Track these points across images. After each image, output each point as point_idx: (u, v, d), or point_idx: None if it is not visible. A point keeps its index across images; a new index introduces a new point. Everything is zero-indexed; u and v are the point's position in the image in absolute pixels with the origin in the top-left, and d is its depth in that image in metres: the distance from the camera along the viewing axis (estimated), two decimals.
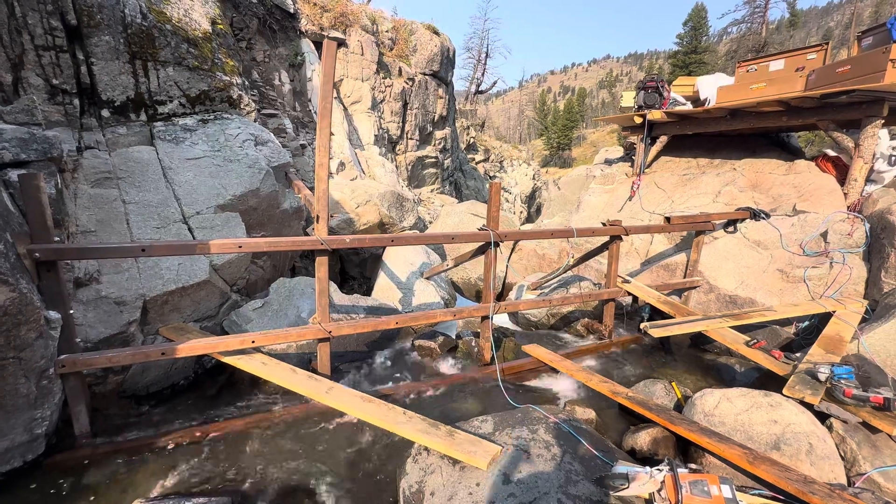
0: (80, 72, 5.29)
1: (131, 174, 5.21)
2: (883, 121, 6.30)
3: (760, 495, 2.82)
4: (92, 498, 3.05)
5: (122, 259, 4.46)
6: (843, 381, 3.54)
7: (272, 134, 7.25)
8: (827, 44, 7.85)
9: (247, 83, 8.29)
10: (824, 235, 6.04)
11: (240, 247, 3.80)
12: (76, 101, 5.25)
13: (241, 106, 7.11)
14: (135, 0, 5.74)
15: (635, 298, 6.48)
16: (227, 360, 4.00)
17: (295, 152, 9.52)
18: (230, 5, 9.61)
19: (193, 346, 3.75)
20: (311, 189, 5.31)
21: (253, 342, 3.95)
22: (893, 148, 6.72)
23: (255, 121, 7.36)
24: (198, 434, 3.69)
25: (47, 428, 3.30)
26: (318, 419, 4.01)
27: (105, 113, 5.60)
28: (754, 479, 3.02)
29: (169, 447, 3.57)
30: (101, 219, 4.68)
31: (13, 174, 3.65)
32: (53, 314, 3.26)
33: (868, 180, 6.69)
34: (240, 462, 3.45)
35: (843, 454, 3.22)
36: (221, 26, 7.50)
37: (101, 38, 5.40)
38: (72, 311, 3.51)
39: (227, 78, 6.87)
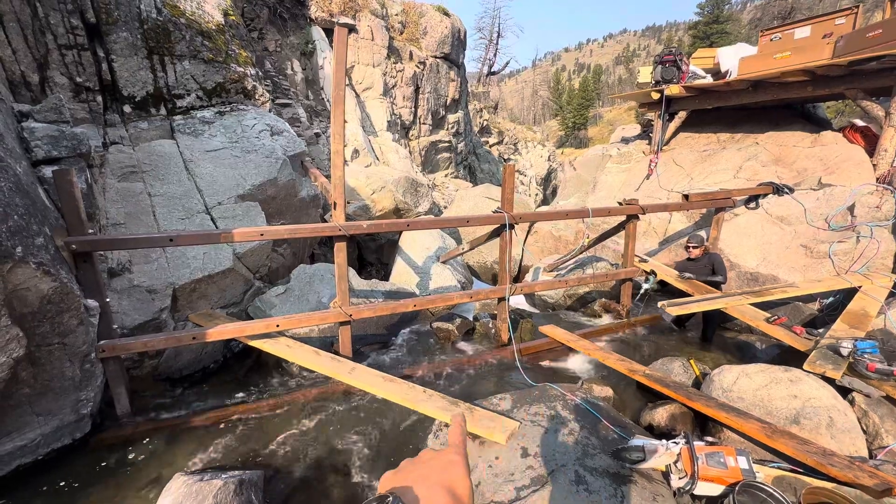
0: (101, 69, 5.45)
1: (155, 168, 5.38)
2: None
3: (779, 468, 2.85)
4: (136, 471, 3.27)
5: (152, 249, 4.65)
6: (866, 356, 3.50)
7: (287, 123, 7.34)
8: (857, 7, 7.47)
9: (260, 74, 8.37)
10: (851, 209, 5.86)
11: (262, 235, 3.92)
12: (99, 98, 5.42)
13: (256, 97, 7.20)
14: None
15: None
16: (254, 343, 4.17)
17: (309, 141, 9.62)
18: None
19: (222, 331, 3.92)
20: (327, 177, 5.41)
21: (278, 326, 4.11)
22: None
23: (269, 111, 7.45)
24: (230, 413, 3.88)
25: (92, 408, 3.52)
26: (342, 399, 4.17)
27: (127, 108, 5.76)
28: (773, 453, 3.05)
29: (203, 425, 3.77)
30: (130, 211, 4.87)
31: (47, 171, 3.83)
32: (92, 302, 3.45)
33: None
34: (270, 439, 3.63)
35: (864, 428, 3.21)
36: (233, 17, 7.56)
37: (119, 34, 5.52)
38: (108, 300, 3.71)
39: (241, 69, 6.95)
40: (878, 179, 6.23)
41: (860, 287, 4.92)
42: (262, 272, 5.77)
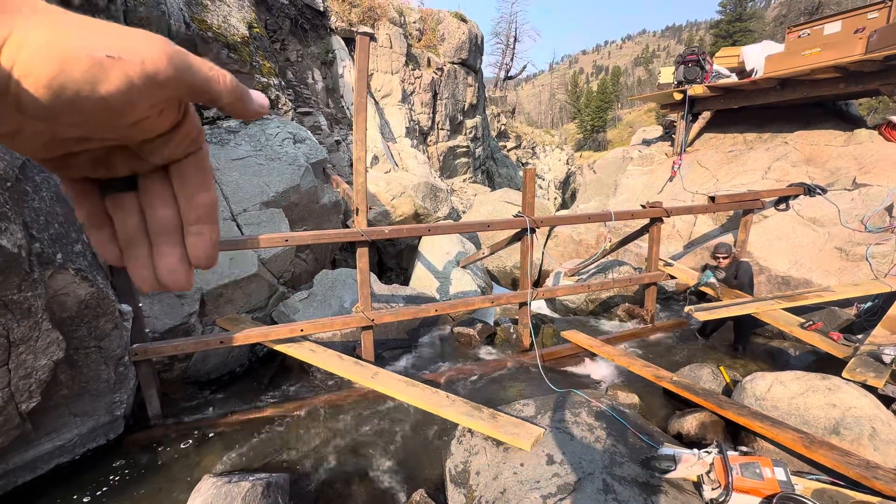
0: None
1: None
2: None
3: (819, 480, 2.73)
4: (166, 471, 3.36)
5: None
6: None
7: (308, 131, 7.49)
8: (891, 0, 7.19)
9: (282, 83, 8.58)
10: (889, 209, 5.62)
11: (286, 240, 4.00)
12: None
13: (279, 106, 7.38)
14: (179, 11, 6.06)
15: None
16: (278, 347, 4.24)
17: (330, 148, 9.78)
18: (263, 8, 9.91)
19: (248, 335, 4.00)
20: (349, 183, 5.48)
21: (301, 331, 4.17)
22: None
23: (292, 119, 7.62)
24: (256, 416, 3.95)
25: (125, 410, 3.64)
26: (365, 403, 4.19)
27: None
28: (811, 465, 2.92)
29: (230, 428, 3.85)
30: None
31: None
32: (126, 307, 3.57)
33: None
34: (295, 442, 3.68)
35: None
36: (257, 30, 7.78)
37: None
38: (140, 305, 3.83)
39: (265, 80, 7.14)
40: None
41: None
42: (285, 277, 5.87)
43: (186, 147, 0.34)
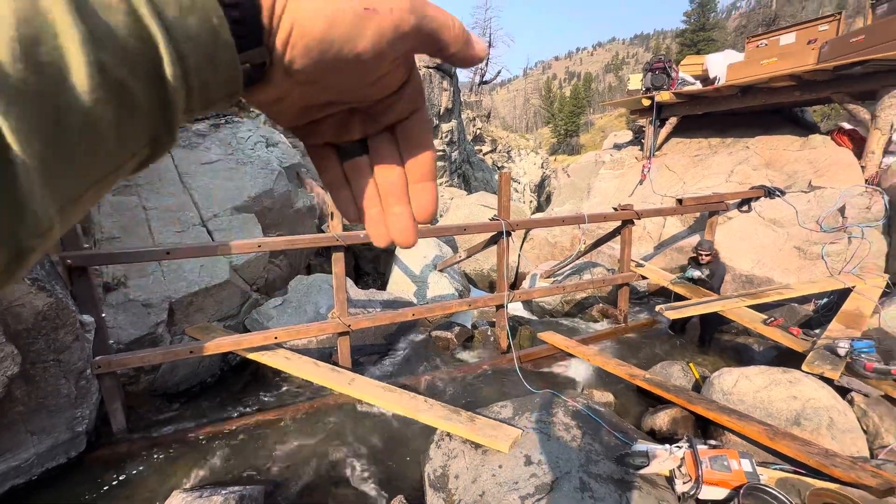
0: None
1: (150, 181, 5.36)
2: None
3: (782, 470, 2.85)
4: (133, 489, 3.21)
5: (148, 263, 4.61)
6: (863, 356, 3.53)
7: (282, 135, 7.36)
8: (840, 14, 7.66)
9: None
10: (842, 210, 5.95)
11: (259, 246, 3.91)
12: None
13: (250, 109, 7.22)
14: None
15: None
16: (251, 356, 4.13)
17: (304, 152, 9.64)
18: None
19: (219, 344, 3.88)
20: (323, 187, 5.41)
21: (276, 338, 4.08)
22: None
23: (264, 123, 7.48)
24: (228, 427, 3.84)
25: (87, 426, 3.47)
26: (342, 410, 4.13)
27: None
28: (775, 455, 3.05)
29: (201, 440, 3.72)
30: (124, 225, 4.84)
31: None
32: (87, 318, 3.41)
33: (886, 152, 6.55)
34: (269, 452, 3.59)
35: (865, 427, 3.23)
36: None
37: None
38: (104, 315, 3.67)
39: None
40: (866, 181, 6.34)
41: (854, 287, 4.97)
42: (259, 284, 5.73)
43: (413, 104, 0.35)
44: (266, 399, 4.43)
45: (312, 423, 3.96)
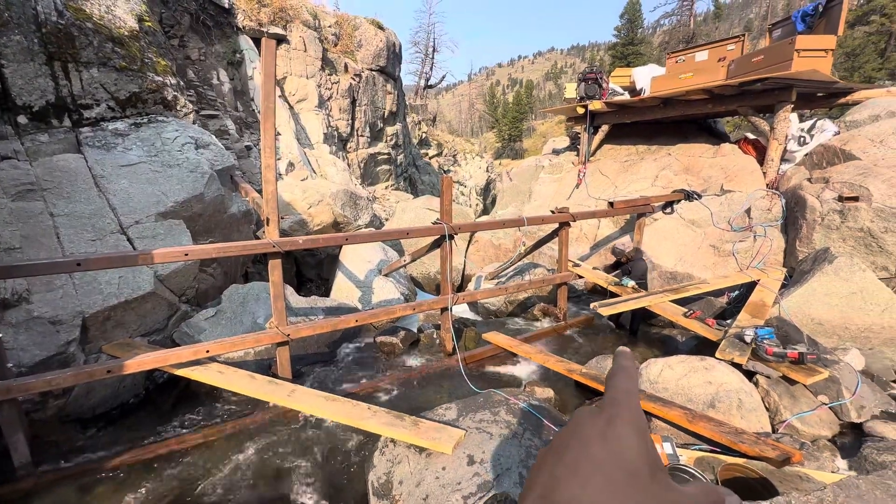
0: None
1: (58, 185, 4.85)
2: (792, 105, 6.98)
3: (699, 450, 3.12)
4: None
5: (55, 276, 4.16)
6: (765, 341, 3.95)
7: (214, 136, 6.95)
8: (744, 35, 8.54)
9: (182, 83, 7.88)
10: (748, 212, 6.63)
11: (186, 255, 3.67)
12: None
13: (178, 108, 6.76)
14: None
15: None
16: (180, 372, 3.86)
17: (240, 154, 9.16)
18: (158, 1, 9.05)
19: (142, 362, 3.58)
20: (260, 191, 5.18)
21: (207, 352, 3.83)
22: (801, 130, 7.45)
23: (193, 123, 7.02)
24: (154, 452, 3.54)
25: None
26: (282, 423, 3.96)
27: (22, 119, 5.16)
28: (694, 436, 3.33)
29: (122, 468, 3.41)
30: (27, 234, 4.34)
31: None
32: None
33: (782, 160, 7.39)
34: (204, 474, 3.36)
35: (767, 406, 3.61)
36: (149, 23, 7.07)
37: (10, 37, 4.96)
38: (1, 335, 3.26)
39: (160, 78, 6.50)
40: (767, 185, 7.11)
41: (759, 280, 5.55)
42: (188, 295, 5.37)
43: None
44: (198, 418, 4.15)
45: (250, 440, 3.77)
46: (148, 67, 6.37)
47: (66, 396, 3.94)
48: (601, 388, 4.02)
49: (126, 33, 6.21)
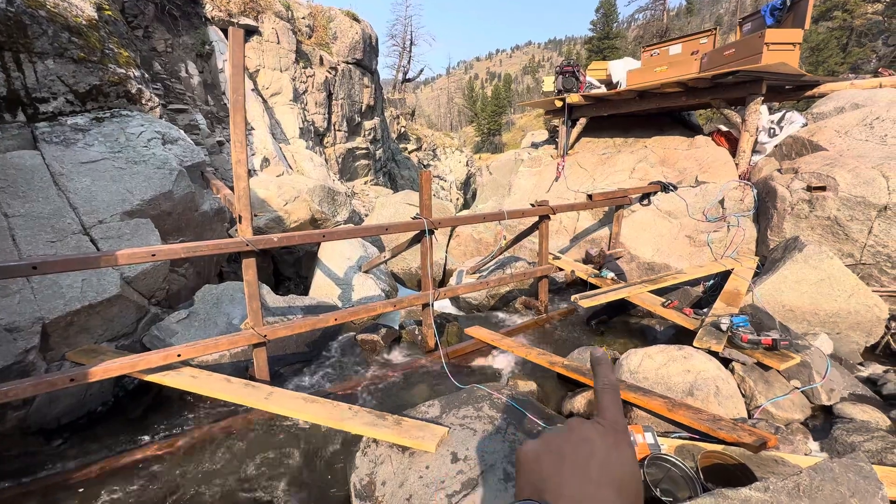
0: None
1: (12, 183, 4.57)
2: (763, 98, 7.14)
3: (679, 437, 3.17)
4: None
5: (11, 280, 3.92)
6: (740, 329, 4.03)
7: (182, 131, 6.69)
8: (716, 29, 8.69)
9: (147, 76, 7.54)
10: (722, 202, 6.78)
11: (153, 255, 3.49)
12: None
13: (143, 101, 6.46)
14: None
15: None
16: (151, 378, 3.69)
17: (211, 150, 8.86)
18: None
19: (107, 368, 3.41)
20: (232, 188, 5.00)
21: (179, 356, 3.68)
22: (772, 122, 7.65)
23: (160, 117, 6.73)
24: (123, 462, 3.39)
25: None
26: (260, 427, 3.85)
27: None
28: (674, 425, 3.38)
29: (90, 481, 3.25)
30: None
31: None
32: None
33: (754, 151, 7.57)
34: (177, 484, 3.23)
35: (743, 392, 3.69)
36: (109, 12, 6.73)
37: None
38: None
39: (123, 70, 6.19)
40: (740, 176, 7.28)
41: (733, 269, 5.68)
42: (158, 296, 5.15)
43: None
44: (171, 425, 3.99)
45: (226, 446, 3.65)
46: (109, 59, 6.06)
47: (27, 407, 3.73)
48: (582, 379, 4.04)
49: (84, 22, 5.88)
